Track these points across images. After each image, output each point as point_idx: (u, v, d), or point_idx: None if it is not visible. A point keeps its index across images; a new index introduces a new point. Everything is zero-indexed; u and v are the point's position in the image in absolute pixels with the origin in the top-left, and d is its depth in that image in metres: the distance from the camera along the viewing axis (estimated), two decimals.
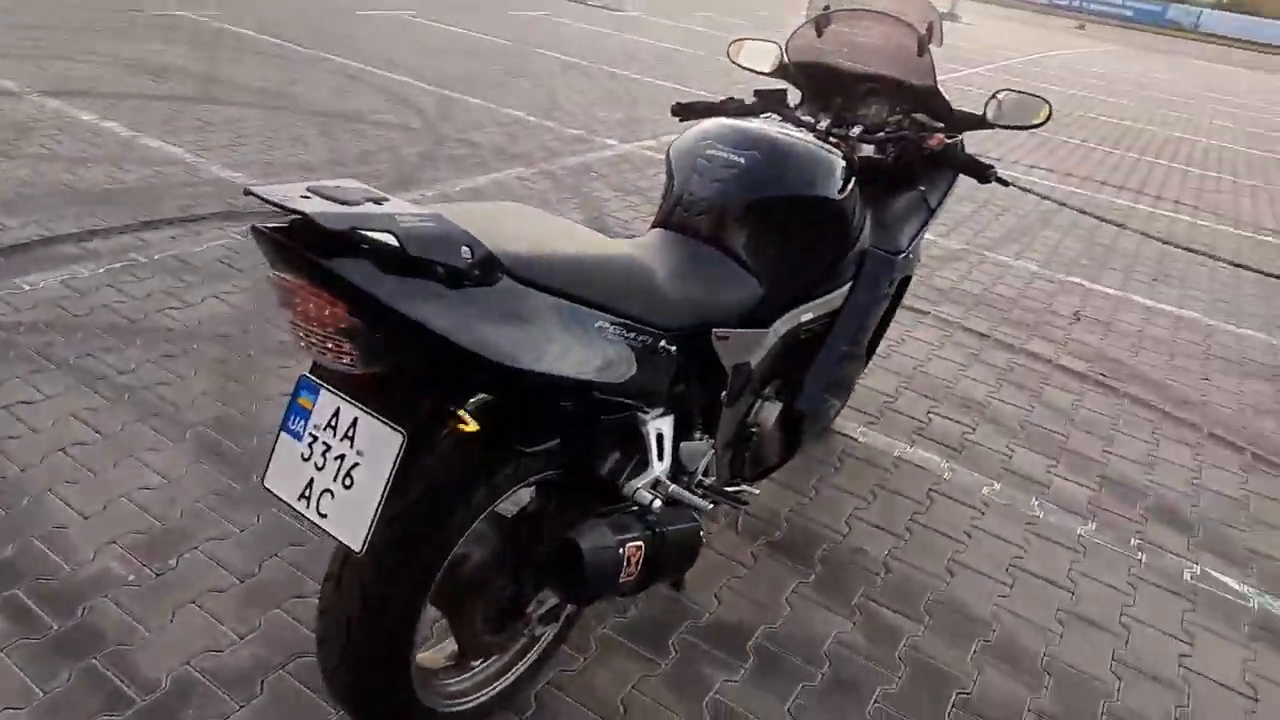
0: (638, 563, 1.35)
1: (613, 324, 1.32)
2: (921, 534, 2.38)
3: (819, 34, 2.18)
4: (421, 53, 7.83)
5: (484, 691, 1.56)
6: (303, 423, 1.19)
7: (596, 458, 1.46)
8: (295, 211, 0.96)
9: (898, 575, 2.21)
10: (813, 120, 2.12)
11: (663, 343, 1.43)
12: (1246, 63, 25.38)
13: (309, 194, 1.00)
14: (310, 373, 1.21)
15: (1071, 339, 3.82)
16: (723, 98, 2.20)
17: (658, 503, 1.44)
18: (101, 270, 3.06)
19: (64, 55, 5.84)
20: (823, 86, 2.25)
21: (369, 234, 0.98)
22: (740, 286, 1.70)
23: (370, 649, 1.29)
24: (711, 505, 1.65)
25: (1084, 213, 5.96)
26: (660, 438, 1.52)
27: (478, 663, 1.58)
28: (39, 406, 2.30)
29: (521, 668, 1.60)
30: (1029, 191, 6.18)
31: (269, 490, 1.22)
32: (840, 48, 2.18)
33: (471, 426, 1.16)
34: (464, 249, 1.07)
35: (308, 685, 1.65)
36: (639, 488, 1.44)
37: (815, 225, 1.83)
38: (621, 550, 1.32)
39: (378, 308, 1.02)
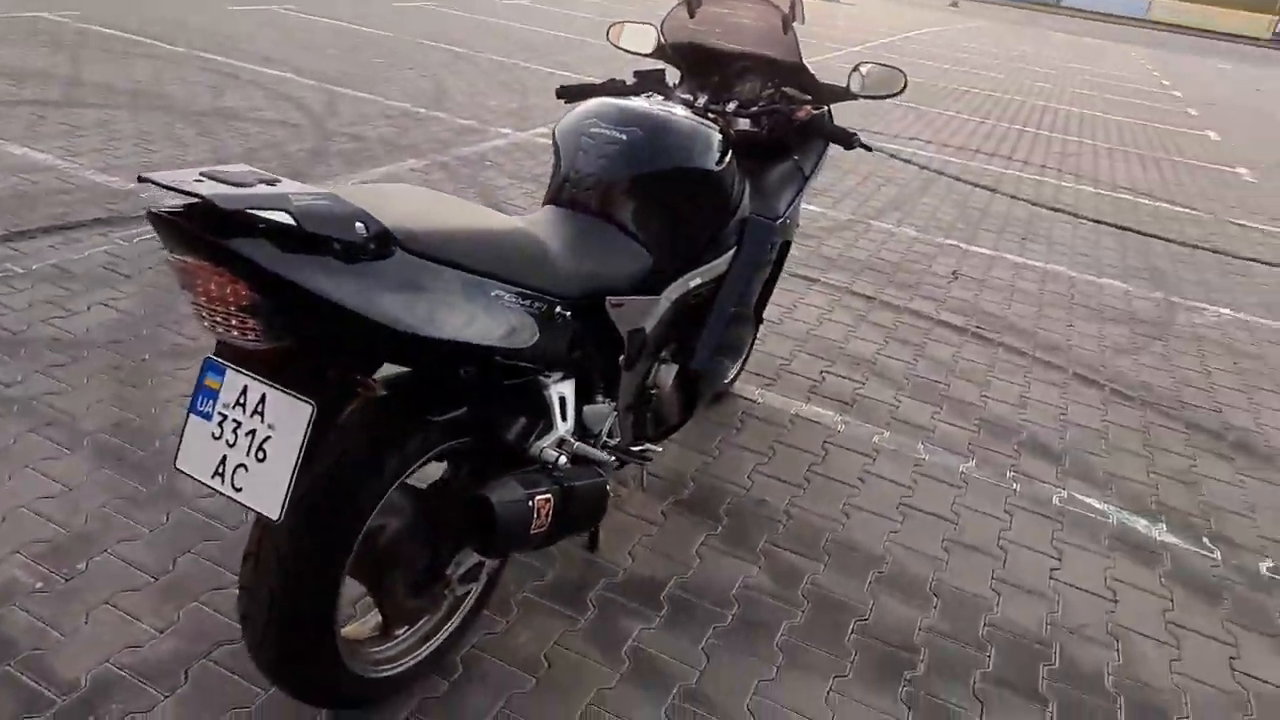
0: (547, 515, 1.43)
1: (509, 293, 1.39)
2: (819, 482, 2.54)
3: (691, 15, 2.29)
4: (301, 47, 7.63)
5: (411, 656, 1.62)
6: (211, 403, 1.23)
7: (503, 423, 1.53)
8: (192, 194, 1.00)
9: (798, 521, 2.36)
10: (690, 98, 2.23)
11: (559, 309, 1.51)
12: (1107, 34, 26.97)
13: (202, 178, 1.04)
14: (215, 354, 1.24)
15: (950, 296, 4.08)
16: (608, 79, 2.29)
17: (563, 459, 1.53)
18: None
19: None
20: (698, 65, 2.36)
21: (264, 213, 1.03)
22: (630, 256, 1.80)
23: (293, 620, 1.34)
24: (616, 461, 1.75)
25: (958, 179, 6.31)
26: (563, 400, 1.60)
27: (402, 630, 1.63)
28: None
29: (446, 631, 1.67)
30: (895, 157, 6.52)
31: (181, 471, 1.25)
32: (712, 28, 2.29)
33: (379, 392, 1.22)
34: (358, 224, 1.13)
35: (234, 670, 1.68)
36: (544, 447, 1.53)
37: (697, 195, 1.94)
38: (530, 503, 1.40)
39: (278, 283, 1.07)
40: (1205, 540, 2.53)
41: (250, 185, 1.06)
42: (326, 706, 1.57)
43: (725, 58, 2.30)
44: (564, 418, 1.59)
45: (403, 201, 1.35)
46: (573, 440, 1.59)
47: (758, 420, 2.82)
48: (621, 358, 1.81)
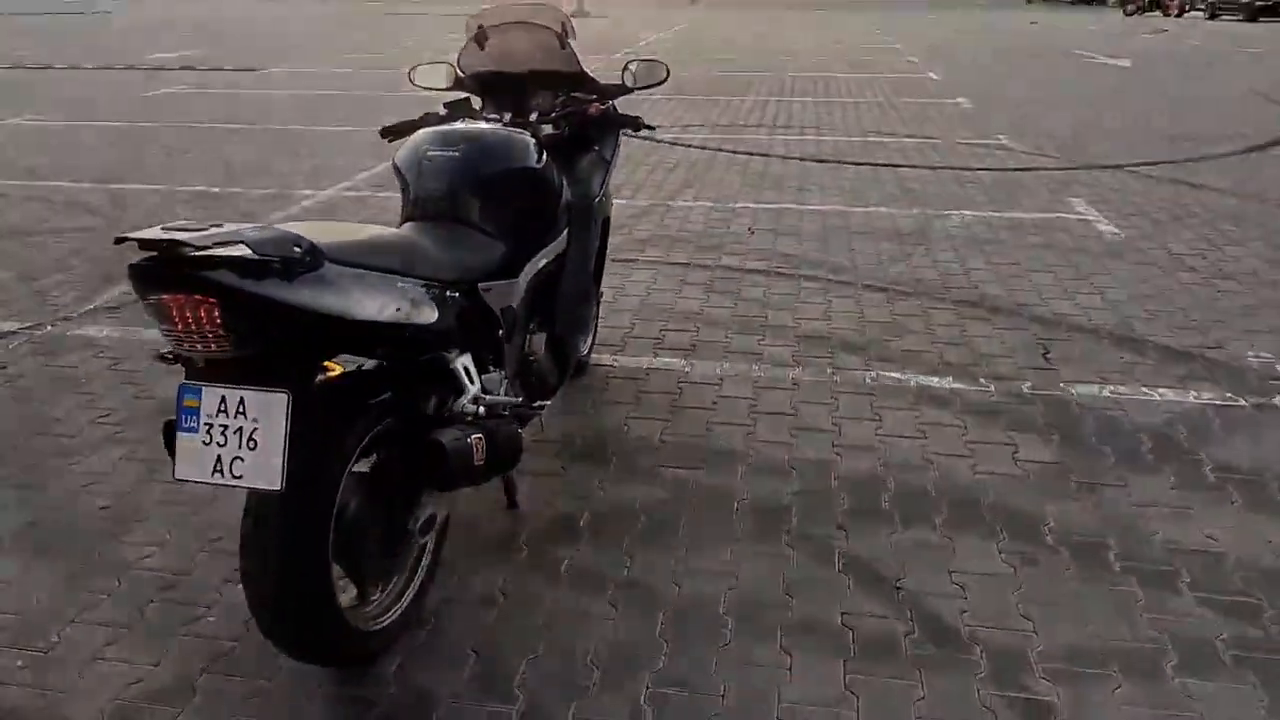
0: (482, 452, 1.78)
1: (409, 283, 1.74)
2: (681, 413, 3.00)
3: (482, 47, 2.68)
4: (64, 153, 7.36)
5: (394, 610, 1.91)
6: (195, 419, 1.50)
7: (424, 397, 1.87)
8: (171, 241, 1.29)
9: (672, 445, 2.80)
10: (497, 117, 2.62)
11: (448, 293, 1.86)
12: (831, 5, 29.65)
13: (167, 229, 1.33)
14: (186, 379, 1.51)
15: (751, 249, 4.69)
16: (420, 115, 2.63)
17: (481, 409, 1.88)
18: None
19: None
20: (495, 89, 2.75)
21: (226, 249, 1.34)
22: (487, 249, 2.17)
23: (298, 590, 1.61)
24: (518, 405, 2.12)
25: (735, 152, 7.05)
26: (466, 370, 1.95)
27: (378, 592, 1.92)
28: None
29: (416, 583, 1.97)
30: (676, 143, 7.20)
31: (181, 480, 1.51)
32: (502, 55, 2.69)
33: (337, 370, 1.54)
34: (294, 246, 1.45)
35: (236, 673, 1.90)
36: (463, 404, 1.88)
37: (527, 191, 2.34)
38: (469, 440, 1.75)
39: (245, 298, 1.37)
40: (981, 380, 3.20)
41: (205, 229, 1.36)
42: (338, 665, 1.83)
43: (518, 78, 2.71)
44: (471, 382, 1.94)
45: (320, 227, 1.65)
46: (484, 396, 1.94)
47: (619, 379, 3.25)
48: (501, 331, 2.18)
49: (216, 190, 6.05)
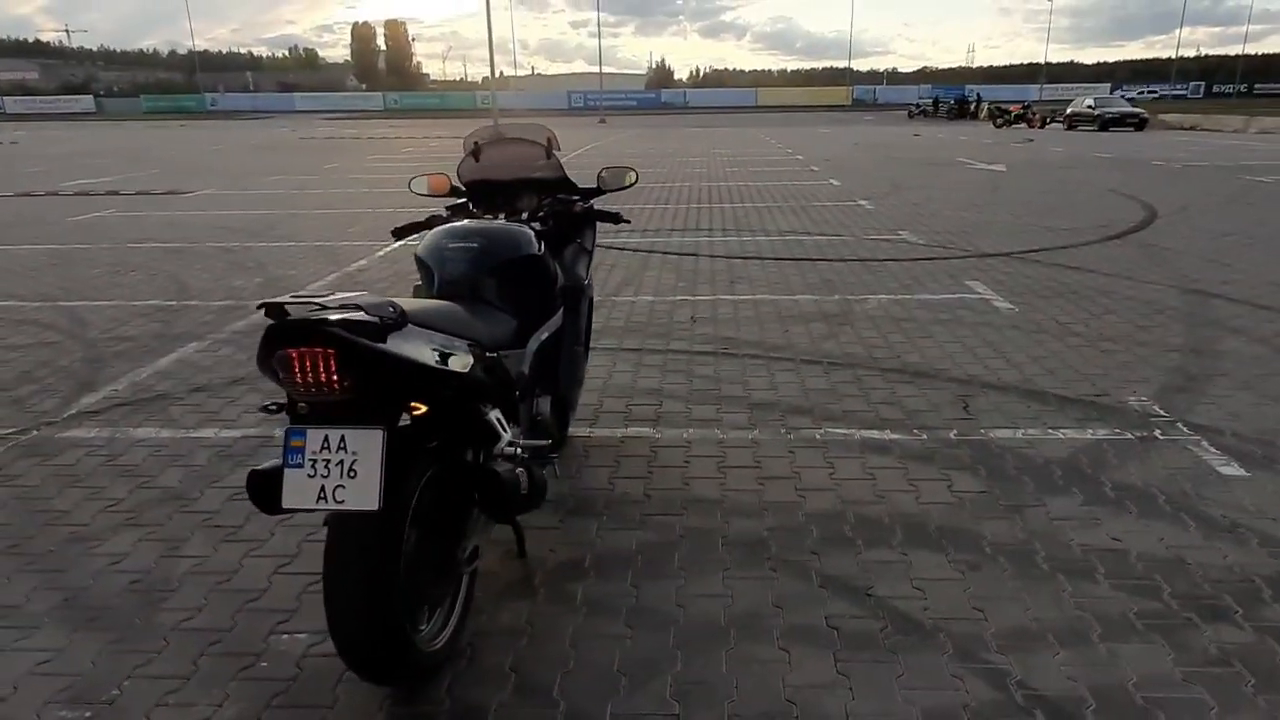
0: (526, 484, 2.11)
1: (463, 344, 2.09)
2: (658, 471, 3.35)
3: (476, 159, 3.12)
4: (2, 276, 7.41)
5: (444, 633, 2.16)
6: (300, 456, 1.79)
7: (467, 445, 2.20)
8: (311, 304, 1.63)
9: (655, 498, 3.14)
10: (493, 216, 3.03)
11: (488, 354, 2.22)
12: (733, 123, 31.72)
13: (297, 297, 1.67)
14: (292, 424, 1.81)
15: (696, 334, 5.16)
16: (428, 216, 3.02)
17: (518, 450, 2.21)
18: None
19: None
20: (484, 195, 3.18)
21: (350, 314, 1.68)
22: (503, 322, 2.54)
23: (374, 611, 1.87)
24: (545, 447, 2.44)
25: (667, 253, 7.64)
26: (500, 420, 2.29)
27: (426, 619, 2.17)
28: None
29: (459, 608, 2.23)
30: (610, 248, 7.76)
31: (288, 510, 1.79)
32: (494, 166, 3.13)
33: (421, 409, 1.86)
34: (389, 308, 1.79)
35: (299, 704, 2.11)
36: (503, 447, 2.20)
37: (532, 274, 2.74)
38: (516, 473, 2.07)
39: (358, 349, 1.70)
40: (915, 431, 3.67)
41: (326, 296, 1.71)
42: (401, 683, 2.06)
43: (509, 184, 3.15)
44: (504, 430, 2.28)
45: (400, 300, 2.00)
46: (519, 441, 2.27)
47: (597, 447, 3.59)
48: (516, 393, 2.53)
49: (173, 304, 6.23)
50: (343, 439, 1.78)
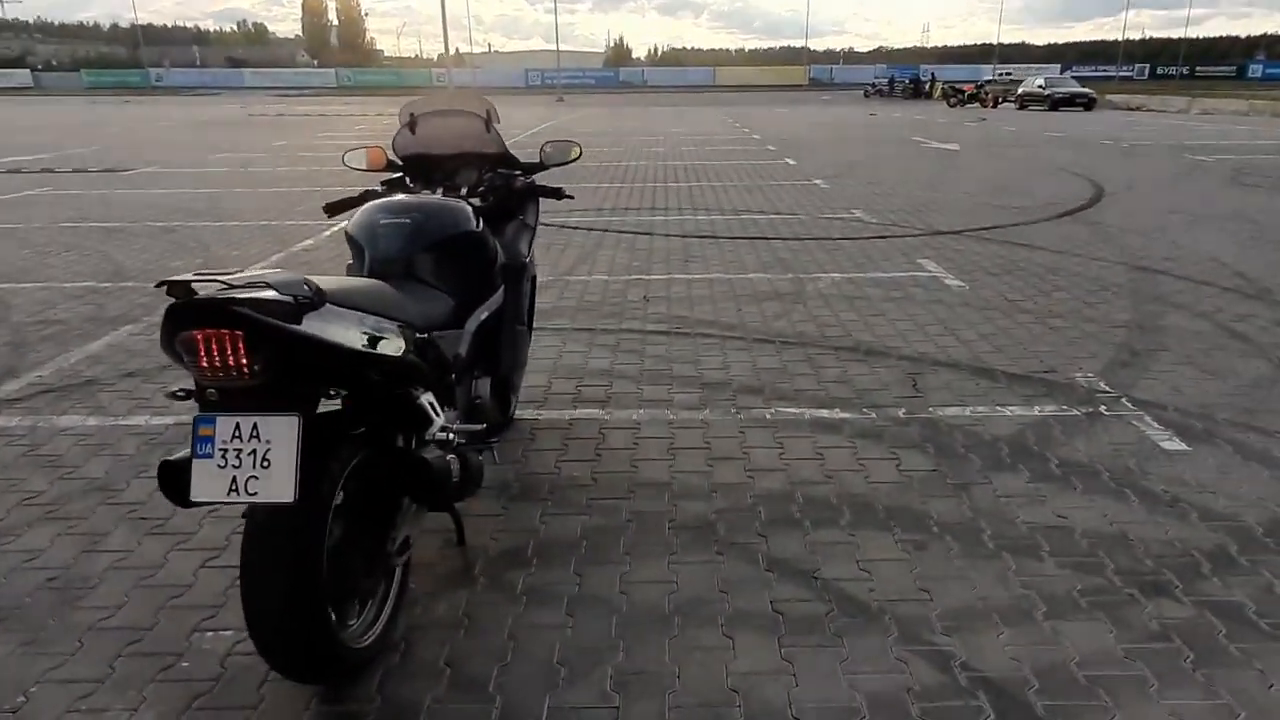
0: (458, 472, 2.02)
1: (391, 325, 1.98)
2: (606, 453, 3.28)
3: (413, 132, 3.00)
4: None
5: (374, 628, 2.07)
6: (209, 445, 1.67)
7: (396, 431, 2.10)
8: (210, 281, 1.51)
9: (602, 481, 3.07)
10: (429, 191, 2.91)
11: (416, 335, 2.12)
12: (691, 102, 31.56)
13: (201, 274, 1.55)
14: (201, 411, 1.69)
15: (650, 313, 5.09)
16: (361, 191, 2.90)
17: (450, 436, 2.12)
18: None
19: None
20: (421, 169, 3.06)
21: (257, 292, 1.57)
22: (438, 301, 2.44)
23: (295, 608, 1.77)
24: (480, 432, 2.36)
25: (621, 231, 7.54)
26: (431, 404, 2.19)
27: (356, 614, 2.08)
28: None
29: (391, 603, 2.14)
30: (564, 226, 7.63)
31: (197, 503, 1.68)
32: (432, 139, 3.01)
33: (336, 402, 1.76)
34: (304, 286, 1.68)
35: (221, 706, 2.00)
36: (434, 433, 2.11)
37: (469, 251, 2.63)
38: (446, 460, 1.98)
39: (266, 330, 1.59)
40: (864, 409, 3.64)
41: (232, 273, 1.59)
42: (327, 681, 1.96)
43: (447, 158, 3.03)
44: (437, 414, 2.18)
45: (317, 277, 1.88)
46: (451, 426, 2.17)
47: (544, 429, 3.51)
48: (451, 375, 2.43)
49: (107, 285, 5.98)
50: (255, 427, 1.68)
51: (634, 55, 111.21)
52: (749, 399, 3.78)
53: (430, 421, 2.15)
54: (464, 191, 2.91)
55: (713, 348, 4.45)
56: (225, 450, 1.68)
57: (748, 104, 30.34)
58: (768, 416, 3.59)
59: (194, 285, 1.54)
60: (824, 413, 3.62)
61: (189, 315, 1.56)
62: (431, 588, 2.45)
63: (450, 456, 2.02)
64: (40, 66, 76.05)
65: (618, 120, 24.19)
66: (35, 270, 6.48)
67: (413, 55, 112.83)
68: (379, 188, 2.90)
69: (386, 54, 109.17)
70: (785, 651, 2.17)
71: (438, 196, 2.69)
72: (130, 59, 77.73)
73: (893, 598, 2.37)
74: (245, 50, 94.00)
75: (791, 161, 13.64)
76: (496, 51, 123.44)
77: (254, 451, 1.67)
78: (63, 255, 7.05)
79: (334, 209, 2.85)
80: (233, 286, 1.58)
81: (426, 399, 2.18)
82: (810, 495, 2.93)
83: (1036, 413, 3.60)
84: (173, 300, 1.56)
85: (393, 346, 1.94)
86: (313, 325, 1.70)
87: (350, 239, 2.51)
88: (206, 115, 29.70)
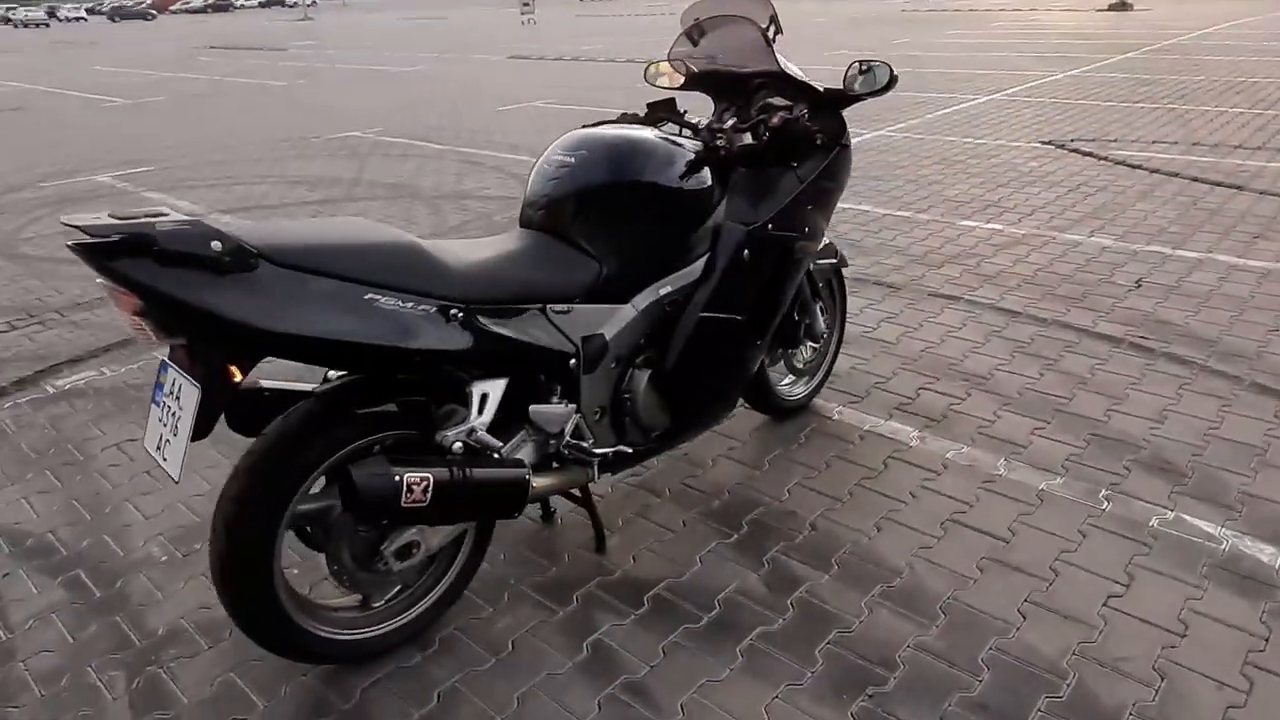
0: (425, 492, 1.62)
1: (386, 296, 1.61)
2: (862, 496, 2.44)
3: (695, 44, 2.41)
4: (547, 133, 8.58)
5: (381, 626, 1.87)
6: (160, 394, 1.60)
7: (423, 416, 1.76)
8: (81, 229, 1.35)
9: (821, 533, 2.29)
10: (695, 123, 2.32)
11: (453, 312, 1.70)
12: None
13: (100, 216, 1.40)
14: (166, 357, 1.61)
15: (1119, 307, 3.60)
16: (619, 114, 2.46)
17: (457, 445, 1.72)
18: None
19: (243, 180, 7.06)
20: (717, 89, 2.46)
21: (129, 236, 1.35)
22: (575, 267, 1.95)
23: (234, 567, 1.62)
24: (595, 461, 1.91)
25: (1197, 180, 5.47)
26: (484, 397, 1.79)
27: (379, 602, 1.90)
28: None
29: (425, 602, 1.92)
30: (1124, 164, 5.78)
31: (145, 450, 1.64)
32: (712, 52, 2.39)
33: (238, 377, 1.51)
34: (214, 243, 1.42)
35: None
36: (446, 435, 1.73)
37: (650, 208, 2.05)
38: (397, 479, 1.59)
39: (156, 295, 1.39)
40: None
41: (136, 218, 1.40)
42: (279, 654, 1.80)
43: (728, 79, 2.39)
44: (480, 412, 1.77)
45: (289, 226, 1.59)
46: (480, 431, 1.76)
47: (824, 436, 2.76)
48: (572, 362, 1.95)
49: None
50: (177, 386, 1.53)
51: None
52: (1148, 485, 2.40)
53: (464, 419, 1.76)
54: (730, 123, 2.27)
55: (1167, 382, 2.95)
56: (164, 404, 1.58)
57: None
58: (1152, 524, 2.24)
59: (89, 228, 1.37)
60: (1262, 550, 2.12)
61: (93, 261, 1.42)
62: (520, 590, 2.12)
63: (415, 475, 1.61)
64: None
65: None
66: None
67: None
68: (639, 114, 2.39)
69: None
70: None
71: (647, 133, 2.12)
72: None
73: None
74: None
75: None
76: None
77: (174, 414, 1.54)
78: None
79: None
80: (131, 235, 1.37)
81: (480, 389, 1.79)
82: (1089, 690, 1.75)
83: None
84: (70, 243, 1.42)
85: (371, 327, 1.56)
86: (228, 293, 1.43)
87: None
88: (859, 11, 30.22)
